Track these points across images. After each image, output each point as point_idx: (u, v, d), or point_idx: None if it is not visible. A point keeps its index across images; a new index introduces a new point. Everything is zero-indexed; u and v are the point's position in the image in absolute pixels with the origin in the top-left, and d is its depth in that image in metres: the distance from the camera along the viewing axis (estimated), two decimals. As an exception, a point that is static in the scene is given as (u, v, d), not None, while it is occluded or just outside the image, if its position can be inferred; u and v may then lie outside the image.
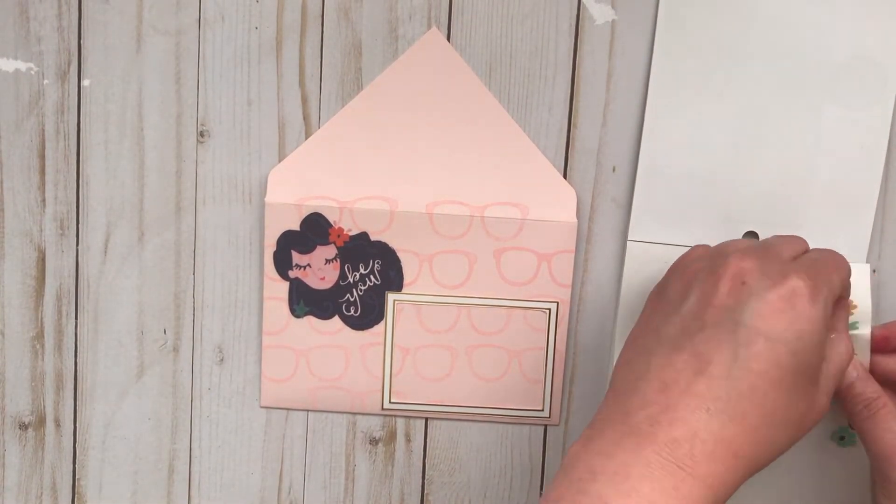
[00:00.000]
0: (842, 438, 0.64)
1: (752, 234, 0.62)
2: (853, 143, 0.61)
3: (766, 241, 0.55)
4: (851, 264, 0.61)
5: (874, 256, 0.63)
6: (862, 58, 0.61)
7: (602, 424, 0.49)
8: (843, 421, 0.63)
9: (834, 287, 0.52)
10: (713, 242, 0.62)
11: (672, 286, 0.53)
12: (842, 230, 0.62)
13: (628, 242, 0.63)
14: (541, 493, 0.66)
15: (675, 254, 0.62)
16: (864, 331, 0.61)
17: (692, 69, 0.61)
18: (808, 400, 0.50)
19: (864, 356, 0.61)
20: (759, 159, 0.62)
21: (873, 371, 0.60)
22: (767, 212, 0.62)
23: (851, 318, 0.61)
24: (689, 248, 0.58)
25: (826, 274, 0.52)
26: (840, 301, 0.55)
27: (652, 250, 0.63)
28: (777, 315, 0.49)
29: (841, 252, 0.61)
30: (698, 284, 0.51)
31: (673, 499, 0.46)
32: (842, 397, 0.58)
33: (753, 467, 0.49)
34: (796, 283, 0.49)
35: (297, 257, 0.63)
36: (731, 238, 0.62)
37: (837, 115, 0.61)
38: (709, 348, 0.48)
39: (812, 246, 0.59)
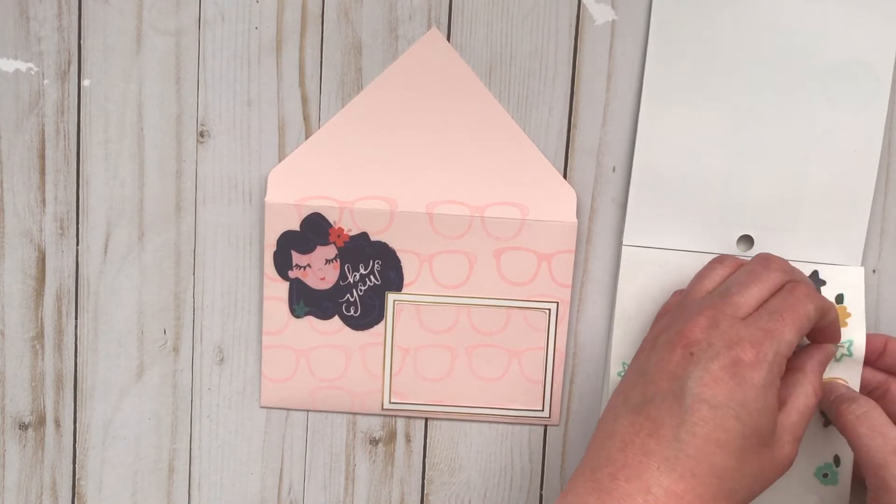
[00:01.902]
0: (825, 476, 0.63)
1: (746, 238, 0.62)
2: (847, 145, 0.61)
3: (731, 288, 0.56)
4: (846, 268, 0.61)
5: (874, 256, 0.63)
6: (854, 60, 0.61)
7: (576, 479, 0.53)
8: (828, 457, 0.63)
9: (783, 347, 0.54)
10: (708, 247, 0.62)
11: (644, 346, 0.57)
12: (836, 233, 0.62)
13: (623, 247, 0.63)
14: (541, 494, 0.66)
15: (670, 258, 0.62)
16: (857, 355, 0.62)
17: (685, 74, 0.61)
18: (762, 459, 0.53)
19: (854, 379, 0.62)
20: (754, 163, 0.62)
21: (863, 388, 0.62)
22: (762, 215, 0.62)
23: (844, 336, 0.61)
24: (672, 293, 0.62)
25: (777, 333, 0.54)
26: (818, 345, 0.58)
27: (647, 254, 0.63)
28: (718, 384, 0.52)
29: (836, 255, 0.62)
30: (658, 352, 0.55)
31: None
32: (828, 409, 0.60)
33: None
34: (739, 354, 0.53)
35: (297, 257, 0.63)
36: (725, 242, 0.62)
37: (831, 119, 0.61)
38: (661, 413, 0.52)
39: (807, 250, 0.61)
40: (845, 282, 0.62)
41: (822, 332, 0.58)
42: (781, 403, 0.55)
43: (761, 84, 0.61)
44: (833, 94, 0.61)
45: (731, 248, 0.62)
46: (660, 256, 0.63)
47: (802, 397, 0.55)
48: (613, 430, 0.53)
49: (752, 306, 0.55)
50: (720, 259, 0.60)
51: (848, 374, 0.63)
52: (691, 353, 0.53)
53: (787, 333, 0.54)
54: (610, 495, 0.51)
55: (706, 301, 0.56)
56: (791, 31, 0.61)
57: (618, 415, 0.54)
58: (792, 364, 0.57)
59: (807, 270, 0.62)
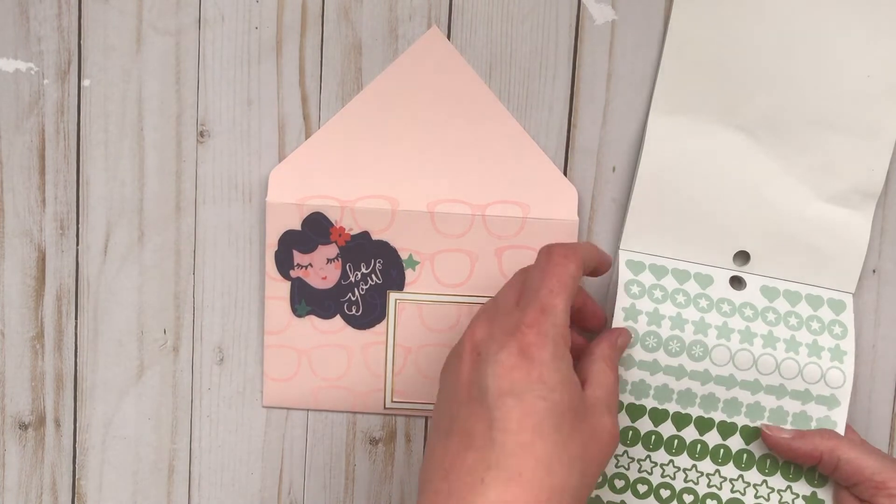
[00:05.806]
0: None
1: (743, 254, 0.62)
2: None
3: (499, 294, 0.56)
4: (834, 292, 0.61)
5: (874, 256, 0.63)
6: (872, 77, 0.60)
7: None
8: (806, 490, 0.63)
9: (558, 317, 0.52)
10: (705, 258, 0.62)
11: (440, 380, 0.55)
12: (833, 260, 0.62)
13: (619, 251, 0.63)
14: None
15: (666, 264, 0.62)
16: (844, 399, 0.62)
17: (698, 84, 0.61)
18: (582, 435, 0.51)
19: (840, 424, 0.62)
20: (758, 179, 0.62)
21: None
22: (760, 231, 0.62)
23: (836, 369, 0.61)
24: None
25: (548, 306, 0.52)
26: (608, 334, 0.58)
27: (644, 259, 0.62)
28: (513, 372, 0.50)
29: (829, 280, 0.62)
30: (449, 368, 0.54)
31: None
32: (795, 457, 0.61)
33: None
34: (522, 339, 0.51)
35: (298, 257, 0.63)
36: (723, 255, 0.62)
37: (840, 139, 0.61)
38: (469, 424, 0.50)
39: (804, 271, 0.62)
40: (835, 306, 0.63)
41: (595, 272, 0.58)
42: (583, 383, 0.54)
43: (772, 100, 0.61)
44: (844, 110, 0.61)
45: (728, 262, 0.63)
46: (657, 262, 0.62)
47: (599, 374, 0.54)
48: (431, 464, 0.51)
49: (519, 291, 0.54)
50: None
51: (838, 420, 0.62)
52: (478, 354, 0.52)
53: (558, 301, 0.52)
54: None
55: (482, 307, 0.55)
56: (808, 48, 0.60)
57: (433, 447, 0.51)
58: (587, 350, 0.57)
59: (802, 292, 0.63)
